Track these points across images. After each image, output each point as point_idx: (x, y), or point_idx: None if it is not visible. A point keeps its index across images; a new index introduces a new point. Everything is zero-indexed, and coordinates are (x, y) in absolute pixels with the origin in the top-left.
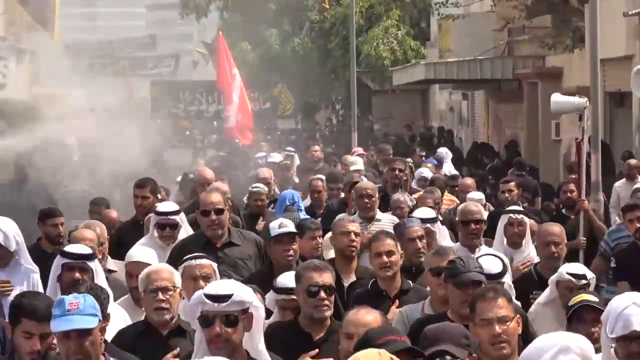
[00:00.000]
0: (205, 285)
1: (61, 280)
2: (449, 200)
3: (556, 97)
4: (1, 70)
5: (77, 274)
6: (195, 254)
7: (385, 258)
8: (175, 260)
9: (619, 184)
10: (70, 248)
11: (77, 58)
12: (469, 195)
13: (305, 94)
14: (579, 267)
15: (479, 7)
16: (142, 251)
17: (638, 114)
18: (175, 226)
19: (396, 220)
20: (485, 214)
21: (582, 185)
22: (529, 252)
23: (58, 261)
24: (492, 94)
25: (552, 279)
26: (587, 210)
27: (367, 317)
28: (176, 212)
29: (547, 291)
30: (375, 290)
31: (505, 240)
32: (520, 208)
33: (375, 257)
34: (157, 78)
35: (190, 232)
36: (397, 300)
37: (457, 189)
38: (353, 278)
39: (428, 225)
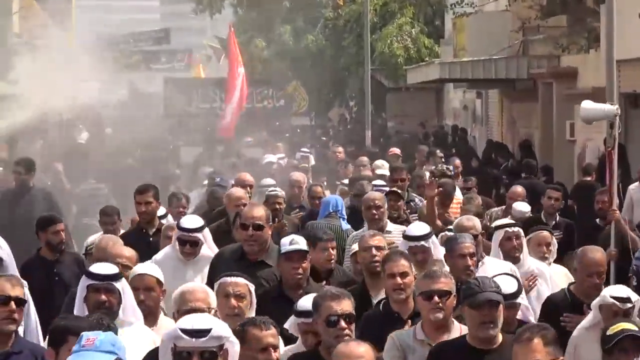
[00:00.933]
0: (237, 304)
1: (87, 302)
2: (457, 203)
3: (586, 104)
4: (16, 67)
5: (103, 296)
6: (233, 271)
7: (398, 280)
8: (213, 268)
9: (634, 186)
10: (95, 268)
11: (91, 52)
12: (515, 205)
13: (319, 91)
14: (622, 290)
15: (494, 6)
16: (146, 266)
17: None
18: (196, 243)
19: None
20: (479, 227)
21: (614, 194)
22: (529, 266)
23: (83, 282)
24: (507, 93)
25: (595, 303)
26: (618, 221)
27: (359, 349)
28: (199, 229)
29: (590, 315)
30: (387, 312)
31: (501, 255)
32: (511, 221)
33: (388, 278)
34: (170, 73)
35: (214, 248)
36: (410, 322)
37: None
38: (382, 294)
39: (422, 242)
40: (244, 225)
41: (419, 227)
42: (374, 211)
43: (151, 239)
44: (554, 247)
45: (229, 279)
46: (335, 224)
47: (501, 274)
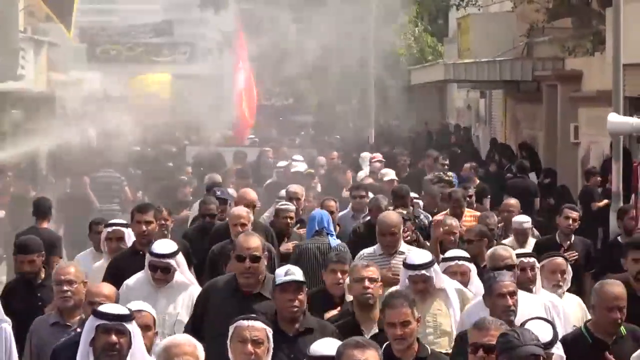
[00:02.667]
0: (255, 350)
1: (94, 345)
2: (471, 216)
3: (613, 117)
4: (19, 62)
5: (114, 337)
6: (247, 315)
7: (398, 331)
8: (201, 302)
9: None
10: (105, 308)
11: (94, 45)
12: (515, 218)
13: (323, 89)
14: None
15: (498, 7)
16: (141, 302)
17: None
18: (168, 270)
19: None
20: (515, 258)
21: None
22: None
23: (91, 323)
24: (511, 93)
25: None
26: None
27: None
28: (172, 255)
29: None
30: (388, 357)
31: None
32: (526, 250)
33: (389, 327)
34: (172, 66)
35: (189, 275)
36: None
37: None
38: (375, 329)
39: (423, 271)
40: (240, 257)
41: (419, 255)
42: (389, 238)
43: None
44: (569, 275)
45: (246, 323)
46: (324, 242)
47: (535, 319)
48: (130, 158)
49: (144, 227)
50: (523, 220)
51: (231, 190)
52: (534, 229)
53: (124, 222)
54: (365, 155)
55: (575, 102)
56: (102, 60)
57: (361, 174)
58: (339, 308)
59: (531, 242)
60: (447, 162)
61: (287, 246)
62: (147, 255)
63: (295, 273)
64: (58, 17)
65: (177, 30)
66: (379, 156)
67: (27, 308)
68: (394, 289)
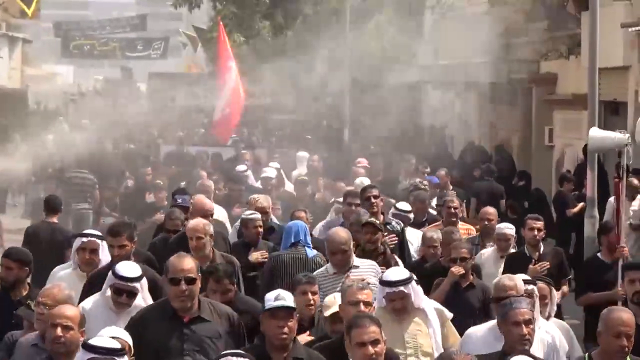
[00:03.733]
0: None
1: None
2: (464, 229)
3: (595, 132)
4: None
5: None
6: (235, 351)
7: (370, 349)
8: (135, 334)
9: (613, 199)
10: (97, 342)
11: (68, 40)
12: (499, 226)
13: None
14: None
15: (474, 8)
16: (115, 329)
17: (633, 125)
18: (134, 294)
19: (375, 267)
20: (520, 288)
21: (622, 229)
22: (541, 327)
23: (82, 357)
24: (486, 95)
25: None
26: (626, 258)
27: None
28: (138, 279)
29: None
30: None
31: None
32: (526, 277)
33: (357, 347)
34: (146, 61)
35: (149, 299)
36: None
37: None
38: None
39: (401, 288)
40: (174, 279)
41: (397, 272)
42: (340, 256)
43: None
44: (553, 300)
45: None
46: (301, 253)
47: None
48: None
49: (116, 252)
50: (506, 226)
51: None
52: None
53: (99, 233)
54: (303, 154)
55: (550, 105)
56: (75, 56)
57: (295, 174)
58: (308, 332)
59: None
60: (427, 169)
61: (256, 256)
62: (110, 277)
63: (286, 298)
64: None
65: (151, 24)
66: (364, 162)
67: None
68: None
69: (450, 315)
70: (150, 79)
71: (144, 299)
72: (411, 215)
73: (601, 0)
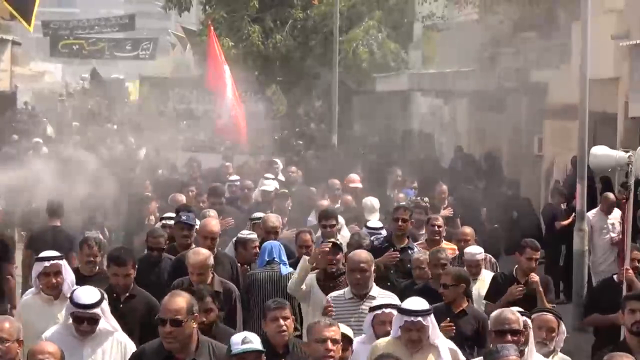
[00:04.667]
0: None
1: None
2: (449, 249)
3: (596, 150)
4: None
5: None
6: None
7: (330, 345)
8: None
9: (592, 213)
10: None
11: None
12: (468, 250)
13: (287, 92)
14: None
15: (464, 16)
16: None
17: (623, 136)
18: (96, 321)
19: (393, 297)
20: (522, 322)
21: (627, 251)
22: None
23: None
24: (475, 102)
25: None
26: (632, 281)
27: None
28: (97, 304)
29: None
30: None
31: None
32: (518, 308)
33: (316, 343)
34: (135, 61)
35: (112, 321)
36: None
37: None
38: None
39: (420, 318)
40: (162, 319)
41: (417, 302)
42: (359, 275)
43: (122, 305)
44: (561, 335)
45: None
46: (275, 270)
47: None
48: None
49: (122, 281)
50: (475, 251)
51: (212, 212)
52: (491, 260)
53: (58, 254)
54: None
55: (540, 115)
56: (64, 55)
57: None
58: None
59: (486, 275)
60: (415, 184)
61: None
62: (69, 305)
63: (253, 341)
64: (18, 11)
65: (139, 23)
66: (356, 179)
67: None
68: (382, 340)
69: (464, 359)
70: (142, 84)
71: (107, 321)
72: (383, 232)
73: (592, 11)
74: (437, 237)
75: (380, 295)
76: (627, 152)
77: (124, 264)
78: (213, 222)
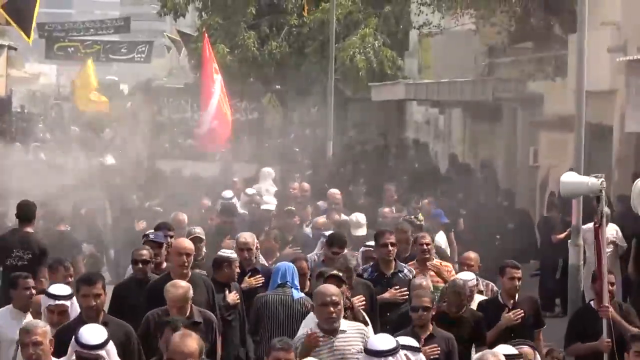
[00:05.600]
0: None
1: None
2: (444, 266)
3: (567, 177)
4: None
5: None
6: None
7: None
8: None
9: (587, 227)
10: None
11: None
12: (459, 275)
13: (282, 98)
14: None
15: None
16: None
17: (618, 148)
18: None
19: (363, 331)
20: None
21: (604, 283)
22: None
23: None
24: (470, 112)
25: None
26: (614, 319)
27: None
28: (103, 345)
29: None
30: None
31: None
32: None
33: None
34: (130, 64)
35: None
36: None
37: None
38: None
39: (389, 358)
40: None
41: (383, 340)
42: (331, 308)
43: None
44: None
45: None
46: (287, 294)
47: None
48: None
49: (92, 302)
50: (467, 278)
51: (198, 229)
52: (493, 289)
53: (68, 292)
54: (267, 170)
55: (535, 126)
56: (59, 58)
57: (249, 191)
58: None
59: (476, 299)
60: (419, 205)
61: (232, 297)
62: (73, 343)
63: None
64: (17, 22)
65: (134, 25)
66: (336, 194)
67: None
68: None
69: None
70: (137, 92)
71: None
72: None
73: (588, 24)
74: (427, 256)
75: (350, 328)
76: (597, 177)
77: (94, 282)
78: (186, 240)
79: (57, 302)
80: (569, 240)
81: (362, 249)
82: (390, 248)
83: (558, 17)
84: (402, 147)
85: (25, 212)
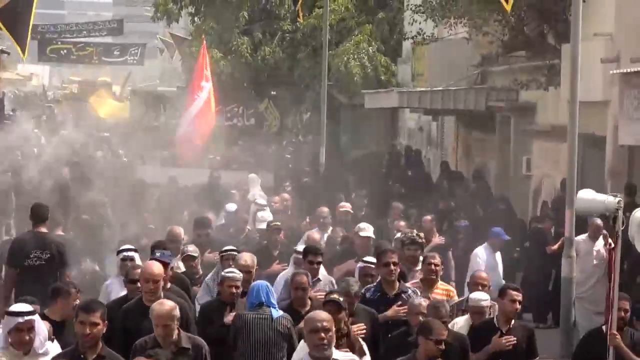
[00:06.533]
0: None
1: None
2: (443, 289)
3: (584, 194)
4: None
5: None
6: None
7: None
8: None
9: (580, 238)
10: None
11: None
12: (473, 296)
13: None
14: None
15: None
16: None
17: (611, 159)
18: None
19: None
20: None
21: (614, 308)
22: None
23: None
24: (463, 120)
25: None
26: (619, 348)
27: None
28: (33, 312)
29: None
30: None
31: None
32: None
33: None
34: (123, 66)
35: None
36: None
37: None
38: None
39: None
40: None
41: None
42: (322, 334)
43: None
44: None
45: None
46: (265, 313)
47: None
48: None
49: (87, 330)
50: (481, 297)
51: (191, 248)
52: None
53: (31, 309)
54: (252, 177)
55: (528, 135)
56: (52, 60)
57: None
58: None
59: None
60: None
61: (229, 318)
62: (5, 322)
63: None
64: (10, 30)
65: (128, 26)
66: (347, 206)
67: None
68: None
69: None
70: (133, 96)
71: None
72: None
73: (582, 34)
74: (434, 277)
75: (344, 358)
76: (615, 196)
77: (92, 310)
78: (155, 265)
79: (26, 318)
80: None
81: (360, 264)
82: (392, 268)
83: (552, 27)
84: (395, 154)
85: (39, 213)
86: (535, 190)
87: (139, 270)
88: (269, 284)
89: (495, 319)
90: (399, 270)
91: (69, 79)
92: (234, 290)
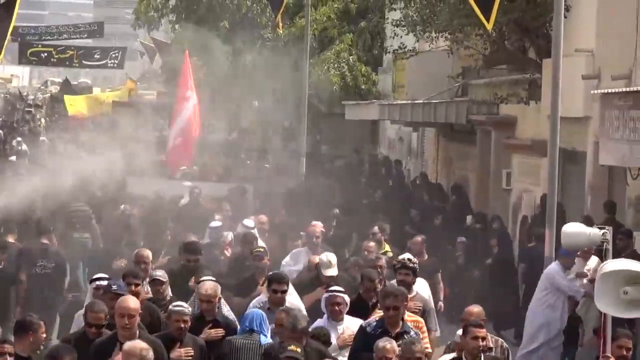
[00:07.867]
0: None
1: None
2: (411, 320)
3: (568, 228)
4: None
5: None
6: None
7: None
8: None
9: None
10: None
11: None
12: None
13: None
14: None
15: (435, 45)
16: None
17: (591, 176)
18: None
19: None
20: None
21: (608, 336)
22: None
23: None
24: (444, 131)
25: None
26: None
27: None
28: None
29: None
30: None
31: None
32: None
33: None
34: (103, 70)
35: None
36: None
37: None
38: None
39: None
40: None
41: None
42: None
43: None
44: None
45: None
46: (254, 339)
47: None
48: None
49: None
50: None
51: (159, 272)
52: (502, 345)
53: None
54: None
55: (508, 149)
56: (33, 63)
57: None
58: None
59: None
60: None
61: (179, 353)
62: None
63: None
64: None
65: (108, 28)
66: (319, 226)
67: None
68: None
69: None
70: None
71: None
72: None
73: (563, 50)
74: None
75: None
76: (601, 228)
77: (59, 358)
78: (130, 299)
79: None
80: None
81: (326, 295)
82: (392, 312)
83: (533, 42)
84: (375, 164)
85: (42, 225)
86: (514, 205)
87: (101, 315)
88: (264, 314)
89: (463, 355)
90: (399, 313)
91: (50, 81)
92: (182, 325)
